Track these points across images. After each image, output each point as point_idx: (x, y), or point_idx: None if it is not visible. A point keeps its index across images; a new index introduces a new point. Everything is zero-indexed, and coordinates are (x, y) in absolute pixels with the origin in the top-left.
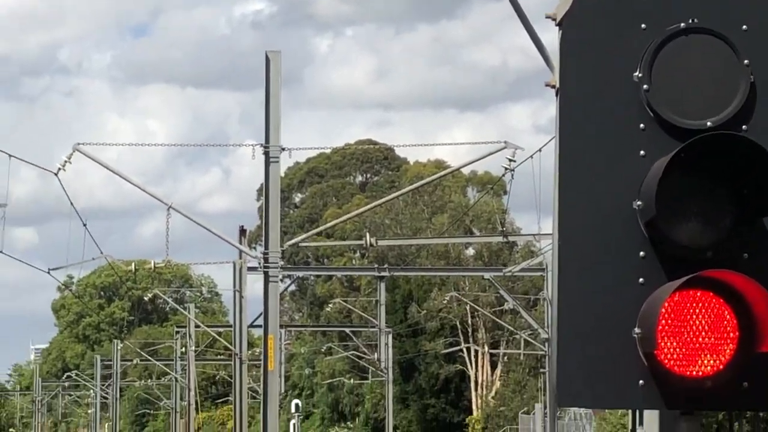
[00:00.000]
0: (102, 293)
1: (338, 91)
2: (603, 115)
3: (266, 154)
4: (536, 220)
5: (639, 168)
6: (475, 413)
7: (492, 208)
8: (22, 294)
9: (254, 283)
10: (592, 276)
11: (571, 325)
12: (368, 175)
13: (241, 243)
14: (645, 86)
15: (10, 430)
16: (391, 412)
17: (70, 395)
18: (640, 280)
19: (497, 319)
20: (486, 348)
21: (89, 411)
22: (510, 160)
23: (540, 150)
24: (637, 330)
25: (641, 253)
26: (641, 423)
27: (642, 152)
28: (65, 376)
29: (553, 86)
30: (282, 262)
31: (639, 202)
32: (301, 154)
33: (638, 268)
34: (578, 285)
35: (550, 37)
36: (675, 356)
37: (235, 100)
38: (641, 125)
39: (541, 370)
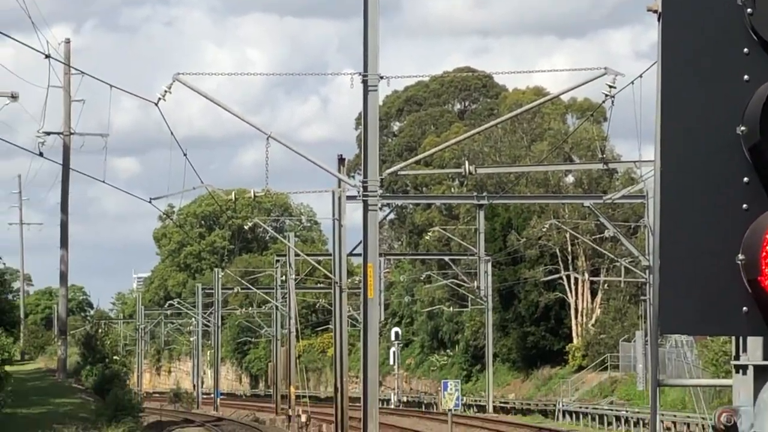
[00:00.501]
0: (202, 222)
1: (436, 18)
2: (706, 39)
3: (365, 82)
4: (637, 147)
5: (742, 93)
6: (575, 341)
7: (592, 135)
8: (124, 223)
9: (353, 212)
10: (695, 202)
11: (673, 252)
12: (467, 103)
13: (340, 172)
14: (749, 10)
15: (114, 357)
16: (491, 339)
17: (172, 323)
18: (744, 206)
19: (597, 247)
20: (586, 276)
21: (191, 339)
22: (610, 87)
23: (641, 76)
24: (740, 256)
25: (745, 179)
26: (744, 350)
27: (746, 77)
28: (167, 304)
29: (655, 11)
30: (381, 191)
31: (743, 128)
32: (399, 83)
33: (742, 193)
34: (680, 212)
35: None
36: None
37: (334, 29)
38: (745, 49)
39: (642, 297)
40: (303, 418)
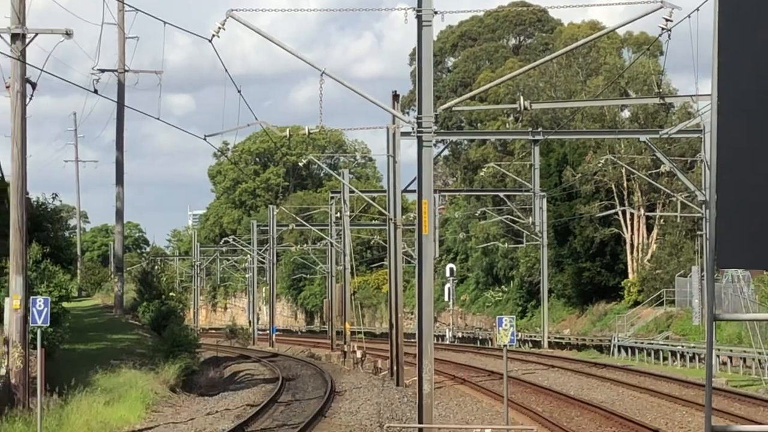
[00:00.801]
0: (257, 159)
1: None
2: None
3: (419, 17)
4: (693, 81)
5: None
6: (630, 276)
7: (648, 69)
8: (179, 160)
9: (408, 148)
10: (752, 137)
11: (730, 187)
12: (521, 38)
13: (394, 108)
14: None
15: (170, 294)
16: (546, 275)
17: (228, 260)
18: None
19: (653, 182)
20: (642, 211)
21: (246, 275)
22: (666, 20)
23: (698, 9)
24: None
25: None
26: None
27: None
28: (222, 241)
29: None
30: (435, 127)
31: None
32: (453, 18)
33: None
34: (737, 146)
35: None
36: None
37: None
38: None
39: (698, 232)
40: (358, 354)
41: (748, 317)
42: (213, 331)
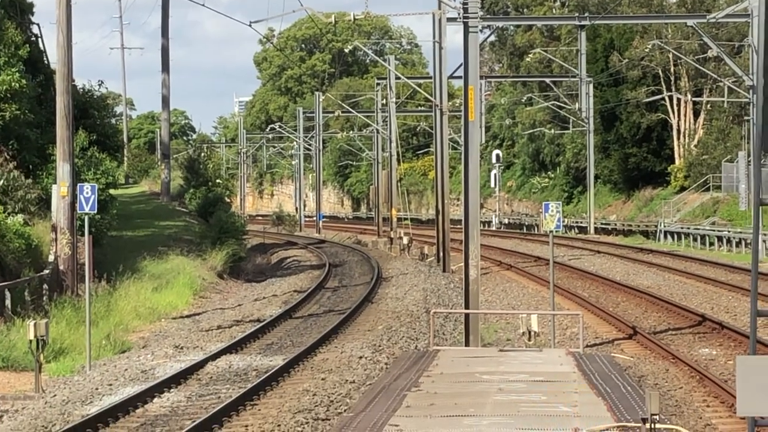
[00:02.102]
0: (303, 46)
1: None
2: None
3: None
4: None
5: None
6: (677, 162)
7: None
8: (225, 48)
9: (454, 34)
10: None
11: None
12: None
13: None
14: None
15: (217, 181)
16: (592, 161)
17: (274, 147)
18: None
19: (700, 67)
20: (688, 96)
21: (293, 162)
22: None
23: None
24: None
25: None
26: None
27: None
28: (269, 128)
29: None
30: (482, 12)
31: None
32: None
33: None
34: None
35: None
36: None
37: None
38: None
39: (745, 117)
40: (405, 240)
41: None
42: (260, 218)
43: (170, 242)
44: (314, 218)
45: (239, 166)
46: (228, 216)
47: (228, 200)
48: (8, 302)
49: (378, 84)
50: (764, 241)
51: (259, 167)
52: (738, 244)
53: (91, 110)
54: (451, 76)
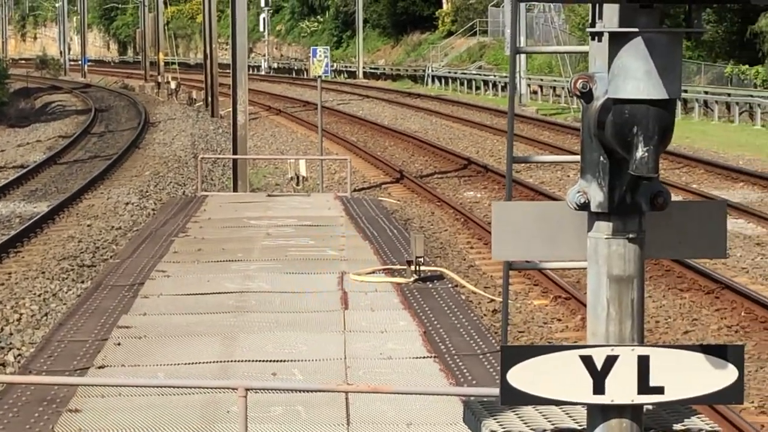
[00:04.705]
0: None
1: None
2: None
3: None
4: None
5: None
6: (444, 6)
7: None
8: None
9: None
10: None
11: None
12: None
13: None
14: None
15: None
16: (361, 5)
17: None
18: None
19: None
20: None
21: (56, 4)
22: None
23: None
24: None
25: None
26: (600, 17)
27: None
28: None
29: None
30: None
31: None
32: None
33: None
34: None
35: None
36: None
37: None
38: None
39: None
40: (172, 85)
41: (550, 50)
42: (23, 62)
43: None
44: (80, 62)
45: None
46: None
47: None
48: None
49: None
50: (529, 85)
51: (21, 9)
52: (503, 88)
53: None
54: None
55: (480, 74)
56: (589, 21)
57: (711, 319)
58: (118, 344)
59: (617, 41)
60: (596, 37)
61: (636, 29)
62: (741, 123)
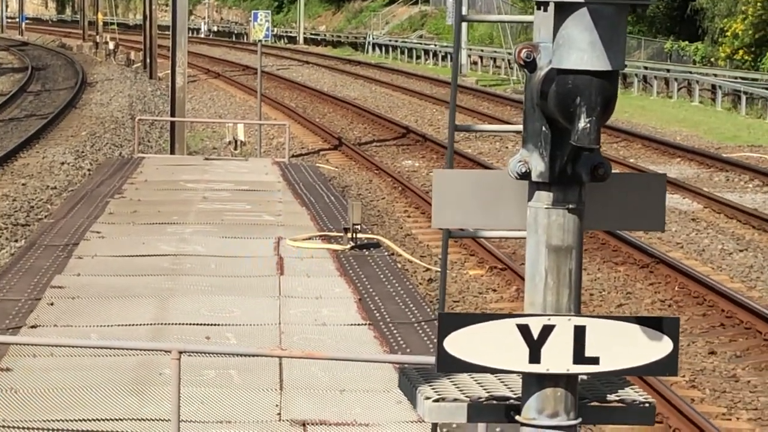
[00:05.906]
0: None
1: None
2: None
3: None
4: None
5: None
6: None
7: None
8: None
9: None
10: None
11: None
12: None
13: None
14: None
15: None
16: None
17: None
18: None
19: None
20: None
21: None
22: None
23: None
24: None
25: None
26: None
27: None
28: None
29: None
30: None
31: None
32: None
33: None
34: None
35: None
36: None
37: None
38: None
39: None
40: (111, 45)
41: (495, 18)
42: None
43: None
44: (17, 20)
45: None
46: None
47: None
48: None
49: None
50: (469, 56)
51: None
52: (444, 58)
53: None
54: None
55: (421, 43)
56: None
57: (645, 293)
58: (51, 304)
59: (563, 11)
60: (542, 7)
61: (582, 0)
62: (679, 99)
